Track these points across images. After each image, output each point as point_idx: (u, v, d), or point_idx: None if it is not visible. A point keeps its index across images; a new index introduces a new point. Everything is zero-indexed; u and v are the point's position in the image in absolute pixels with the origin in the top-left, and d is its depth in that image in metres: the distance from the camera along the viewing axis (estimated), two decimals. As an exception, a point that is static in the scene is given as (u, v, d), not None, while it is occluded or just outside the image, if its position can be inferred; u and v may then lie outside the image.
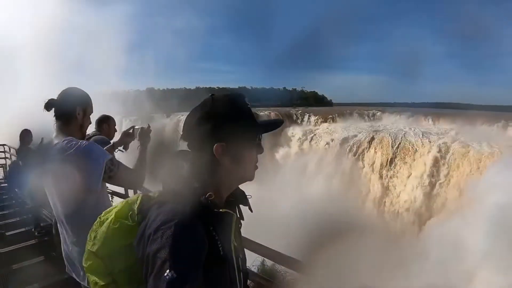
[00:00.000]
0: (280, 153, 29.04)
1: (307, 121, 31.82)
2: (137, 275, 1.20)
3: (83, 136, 2.29)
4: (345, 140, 26.32)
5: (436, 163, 22.55)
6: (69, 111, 2.22)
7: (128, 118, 31.63)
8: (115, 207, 1.32)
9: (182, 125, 1.29)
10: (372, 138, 25.63)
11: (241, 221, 1.35)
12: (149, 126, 2.53)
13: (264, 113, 32.42)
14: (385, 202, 23.96)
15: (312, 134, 28.63)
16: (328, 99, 47.86)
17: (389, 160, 24.54)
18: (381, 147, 25.07)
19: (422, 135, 25.08)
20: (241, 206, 1.35)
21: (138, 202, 1.28)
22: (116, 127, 3.98)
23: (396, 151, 24.53)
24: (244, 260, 1.37)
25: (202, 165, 1.23)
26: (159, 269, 1.02)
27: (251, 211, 1.34)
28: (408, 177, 23.54)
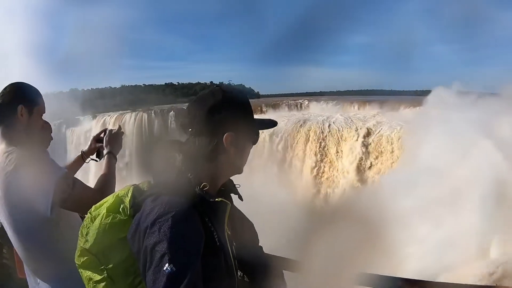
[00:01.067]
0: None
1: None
2: (131, 269, 1.23)
3: (34, 142, 1.88)
4: (274, 131, 25.90)
5: (364, 146, 23.35)
6: (8, 111, 1.83)
7: (51, 122, 28.87)
8: (105, 201, 1.30)
9: (185, 113, 1.31)
10: (301, 127, 25.91)
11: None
12: (120, 128, 2.20)
13: None
14: (319, 190, 24.34)
15: None
16: (255, 91, 47.39)
17: (319, 147, 24.95)
18: (311, 135, 25.41)
19: (350, 120, 25.71)
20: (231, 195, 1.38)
21: (129, 195, 1.27)
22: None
23: (325, 137, 24.99)
24: (240, 247, 1.38)
25: (207, 152, 1.25)
26: (158, 263, 1.04)
27: (241, 199, 1.38)
28: (338, 161, 24.22)
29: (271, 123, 1.39)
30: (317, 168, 24.71)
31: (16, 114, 1.83)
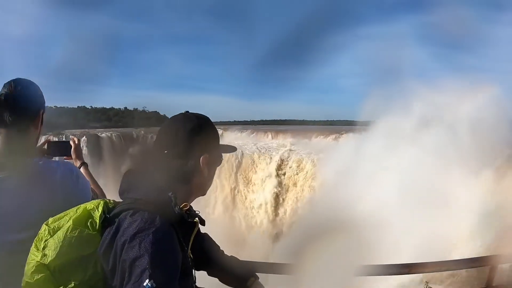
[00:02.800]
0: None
1: (150, 141, 28.61)
2: None
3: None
4: None
5: (278, 172, 23.93)
6: (31, 113, 1.57)
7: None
8: (67, 213, 1.22)
9: (162, 135, 1.36)
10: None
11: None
12: (78, 140, 2.19)
13: (105, 135, 30.43)
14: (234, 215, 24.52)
15: None
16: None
17: (232, 174, 25.29)
18: (225, 162, 25.20)
19: (264, 149, 26.50)
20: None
21: (99, 209, 1.22)
22: None
23: (239, 165, 25.45)
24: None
25: (182, 173, 1.30)
26: (138, 277, 1.03)
27: (203, 224, 1.39)
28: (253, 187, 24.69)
29: (231, 148, 1.52)
30: (232, 196, 25.02)
31: (35, 119, 1.58)
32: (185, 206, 1.26)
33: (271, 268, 2.71)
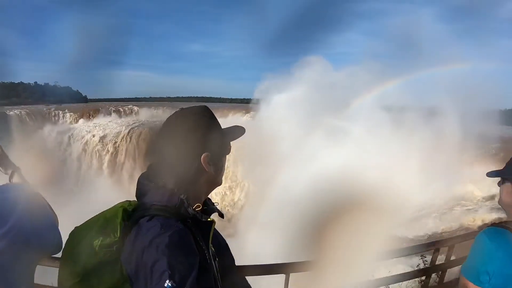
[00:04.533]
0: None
1: (63, 119, 29.41)
2: None
3: None
4: (104, 137, 26.02)
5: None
6: None
7: None
8: (90, 222, 1.28)
9: (159, 139, 1.34)
10: (131, 133, 26.04)
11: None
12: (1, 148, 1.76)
13: (14, 113, 28.36)
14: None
15: (70, 133, 26.50)
16: (83, 94, 42.82)
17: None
18: (140, 141, 25.76)
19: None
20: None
21: (119, 216, 1.26)
22: None
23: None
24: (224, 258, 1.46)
25: (188, 175, 1.29)
26: (159, 280, 1.07)
27: (222, 217, 1.43)
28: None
29: (239, 132, 1.42)
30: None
31: None
32: (198, 206, 1.27)
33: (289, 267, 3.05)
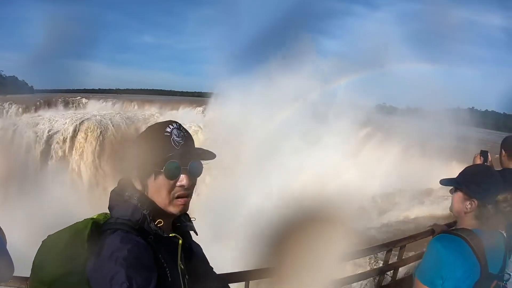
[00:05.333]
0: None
1: (7, 112, 27.10)
2: None
3: None
4: (51, 131, 24.86)
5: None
6: None
7: None
8: (62, 232, 1.28)
9: None
10: (79, 127, 25.22)
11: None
12: None
13: None
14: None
15: (15, 127, 24.64)
16: (29, 85, 37.54)
17: (96, 148, 24.65)
18: (90, 135, 25.13)
19: (128, 120, 26.56)
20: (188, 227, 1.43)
21: (88, 227, 1.26)
22: None
23: (104, 137, 24.94)
24: (199, 275, 1.48)
25: (139, 190, 1.30)
26: None
27: (196, 234, 1.45)
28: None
29: (202, 155, 1.35)
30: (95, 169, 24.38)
31: None
32: (159, 222, 1.27)
33: (257, 274, 3.01)
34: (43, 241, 1.28)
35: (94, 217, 1.33)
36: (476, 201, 1.93)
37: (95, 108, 29.69)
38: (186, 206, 1.33)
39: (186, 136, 1.33)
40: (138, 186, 1.31)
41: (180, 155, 1.28)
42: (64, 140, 24.44)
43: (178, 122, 1.34)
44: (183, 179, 1.29)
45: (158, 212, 1.29)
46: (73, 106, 30.07)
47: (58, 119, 25.74)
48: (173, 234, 1.32)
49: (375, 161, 17.74)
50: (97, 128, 24.78)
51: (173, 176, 1.28)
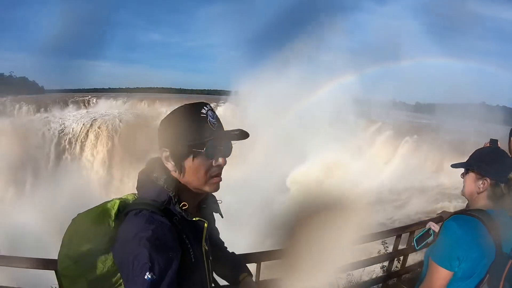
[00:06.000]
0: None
1: (19, 112, 27.11)
2: (112, 279, 1.27)
3: None
4: (63, 131, 25.05)
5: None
6: None
7: None
8: (91, 210, 1.30)
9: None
10: (91, 126, 25.43)
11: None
12: None
13: None
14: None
15: (27, 126, 24.81)
16: (40, 85, 38.55)
17: (109, 146, 24.79)
18: (101, 134, 25.26)
19: (139, 117, 26.52)
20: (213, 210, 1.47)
21: (115, 208, 1.29)
22: None
23: (115, 135, 25.04)
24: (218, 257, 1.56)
25: (165, 172, 1.31)
26: (139, 272, 1.11)
27: (222, 216, 1.47)
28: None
29: (235, 135, 1.33)
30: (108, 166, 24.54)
31: None
32: (184, 205, 1.28)
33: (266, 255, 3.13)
34: (72, 219, 1.30)
35: (123, 197, 1.36)
36: (488, 180, 1.94)
37: (105, 107, 29.99)
38: (219, 185, 1.35)
39: (217, 117, 1.35)
40: (170, 167, 1.31)
41: (218, 135, 1.30)
42: (76, 139, 24.68)
43: (209, 104, 1.36)
44: (220, 159, 1.32)
45: (184, 193, 1.32)
46: (84, 106, 30.34)
47: (70, 118, 26.08)
48: (198, 218, 1.32)
49: (389, 157, 17.95)
50: (108, 127, 25.00)
51: (213, 156, 1.31)
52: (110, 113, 27.11)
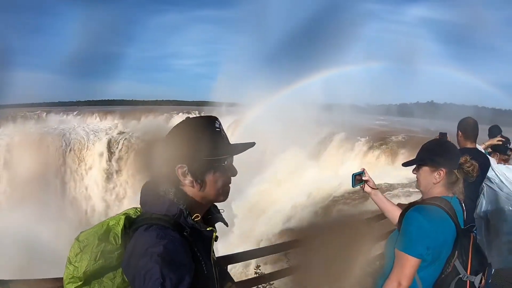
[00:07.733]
0: None
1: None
2: None
3: None
4: (7, 146, 23.81)
5: (105, 157, 24.49)
6: None
7: None
8: (94, 229, 1.28)
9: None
10: (41, 140, 24.51)
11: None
12: None
13: None
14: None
15: None
16: None
17: (61, 161, 24.35)
18: (51, 148, 24.59)
19: (91, 132, 26.15)
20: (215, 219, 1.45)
21: (120, 224, 1.28)
22: None
23: (66, 150, 24.64)
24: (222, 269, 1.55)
25: (174, 185, 1.28)
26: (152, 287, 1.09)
27: (227, 225, 1.47)
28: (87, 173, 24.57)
29: (243, 146, 1.36)
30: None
31: None
32: (197, 217, 1.27)
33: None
34: (76, 238, 1.28)
35: (126, 212, 1.34)
36: (444, 170, 2.09)
37: (55, 121, 28.96)
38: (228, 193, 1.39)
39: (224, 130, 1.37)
40: (188, 182, 1.29)
41: (237, 149, 1.35)
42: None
43: (217, 117, 1.36)
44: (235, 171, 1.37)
45: (193, 206, 1.30)
46: (33, 120, 28.97)
47: (15, 133, 24.85)
48: (210, 228, 1.31)
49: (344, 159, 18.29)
50: (58, 141, 24.34)
51: (233, 169, 1.36)
52: (60, 128, 26.43)
